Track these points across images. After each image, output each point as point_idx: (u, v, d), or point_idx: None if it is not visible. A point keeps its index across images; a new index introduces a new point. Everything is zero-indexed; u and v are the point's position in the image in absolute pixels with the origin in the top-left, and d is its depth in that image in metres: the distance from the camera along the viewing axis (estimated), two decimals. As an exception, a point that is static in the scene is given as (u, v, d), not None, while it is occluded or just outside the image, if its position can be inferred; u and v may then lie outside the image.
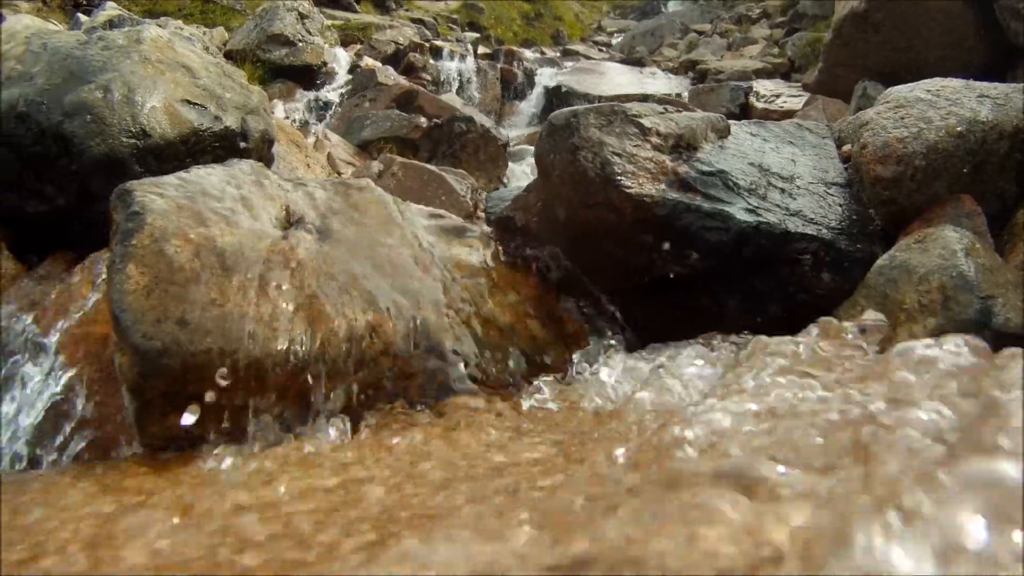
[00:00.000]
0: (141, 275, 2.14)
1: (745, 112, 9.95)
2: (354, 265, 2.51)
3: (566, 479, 1.62)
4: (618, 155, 2.64)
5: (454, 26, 18.04)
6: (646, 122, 2.79)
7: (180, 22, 11.31)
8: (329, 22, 12.58)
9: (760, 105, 9.99)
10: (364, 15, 15.91)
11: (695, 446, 1.38)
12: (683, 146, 2.80)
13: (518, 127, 11.47)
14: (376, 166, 6.32)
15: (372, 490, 1.72)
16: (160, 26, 6.35)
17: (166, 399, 2.10)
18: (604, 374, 2.57)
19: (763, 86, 10.81)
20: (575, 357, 2.69)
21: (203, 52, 4.16)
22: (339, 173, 6.37)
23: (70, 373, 2.48)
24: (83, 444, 2.34)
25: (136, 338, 2.06)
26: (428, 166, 6.22)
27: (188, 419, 2.09)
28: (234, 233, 2.35)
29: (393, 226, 2.77)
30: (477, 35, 16.89)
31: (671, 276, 2.68)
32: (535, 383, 2.57)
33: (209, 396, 2.11)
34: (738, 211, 2.65)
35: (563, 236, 2.81)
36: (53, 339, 2.63)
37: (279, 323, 2.25)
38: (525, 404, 2.42)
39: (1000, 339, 2.20)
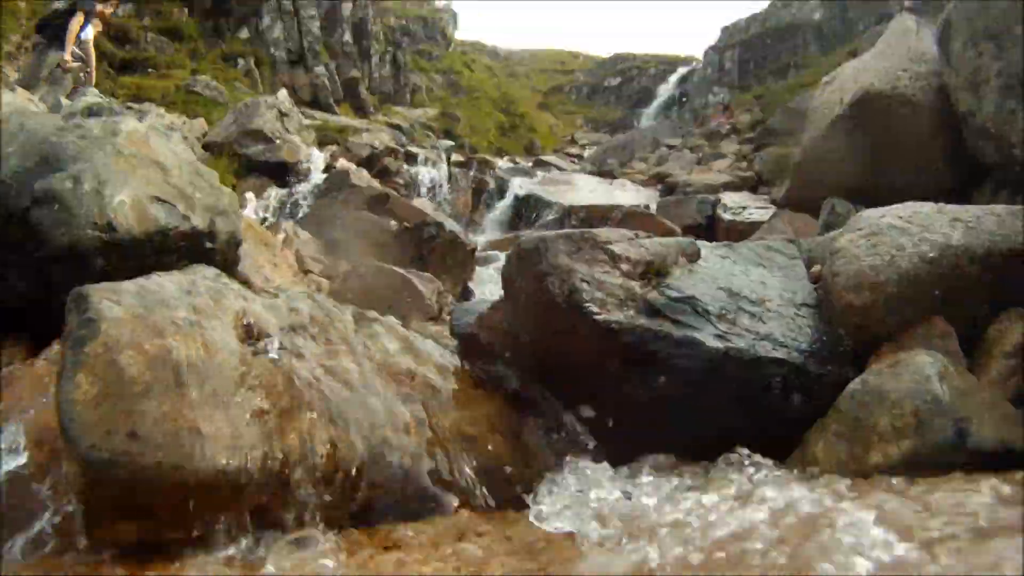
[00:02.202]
0: (91, 385, 2.09)
1: (712, 224, 10.12)
2: (314, 380, 2.46)
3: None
4: (587, 282, 2.63)
5: (430, 132, 18.37)
6: (616, 248, 2.79)
7: (163, 110, 11.42)
8: (308, 121, 12.77)
9: (727, 217, 10.19)
10: (342, 117, 16.21)
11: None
12: (653, 272, 2.80)
13: (489, 231, 11.58)
14: (344, 266, 6.31)
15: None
16: (143, 113, 6.34)
17: (115, 509, 2.06)
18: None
19: (730, 198, 11.03)
20: (538, 477, 2.62)
21: (179, 147, 4.15)
22: (307, 271, 6.35)
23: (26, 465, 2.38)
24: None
25: (83, 448, 2.02)
26: (396, 268, 6.24)
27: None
28: (192, 346, 2.31)
29: (356, 339, 2.73)
30: (452, 143, 17.18)
31: (640, 400, 2.63)
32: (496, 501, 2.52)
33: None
34: (707, 337, 2.63)
35: (529, 358, 2.79)
36: (11, 430, 2.53)
37: (233, 439, 2.19)
38: (483, 526, 2.35)
39: (974, 457, 2.20)
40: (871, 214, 3.13)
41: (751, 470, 2.44)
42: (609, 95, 28.70)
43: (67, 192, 3.21)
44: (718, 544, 1.86)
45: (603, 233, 2.84)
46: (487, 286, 7.56)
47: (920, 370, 2.40)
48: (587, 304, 2.58)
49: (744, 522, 1.96)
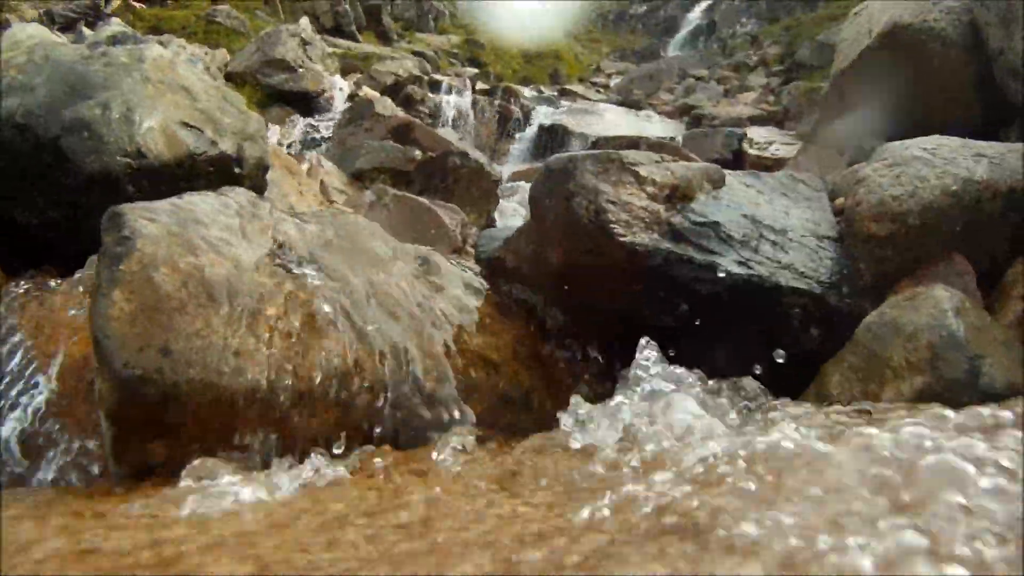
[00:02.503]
0: (127, 301, 2.11)
1: (738, 158, 10.03)
2: (343, 300, 2.49)
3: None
4: (613, 203, 2.64)
5: (454, 60, 18.18)
6: (642, 171, 2.79)
7: (183, 41, 11.37)
8: (331, 50, 12.69)
9: (753, 152, 10.09)
10: (366, 45, 16.04)
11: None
12: (678, 196, 2.80)
13: (513, 163, 11.52)
14: (369, 196, 6.33)
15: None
16: (163, 45, 6.36)
17: (145, 428, 2.07)
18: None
19: (757, 133, 10.91)
20: (560, 404, 2.65)
21: (204, 75, 4.17)
22: (332, 201, 6.37)
23: (51, 391, 2.46)
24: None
25: (117, 365, 2.03)
26: (420, 199, 6.24)
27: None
28: (223, 263, 2.33)
29: (385, 262, 2.76)
30: (477, 71, 17.01)
31: (660, 325, 2.66)
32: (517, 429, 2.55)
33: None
34: (729, 263, 2.64)
35: (554, 280, 2.80)
36: (35, 355, 2.60)
37: (264, 357, 2.23)
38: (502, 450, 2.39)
39: (985, 398, 2.20)
40: (895, 145, 3.11)
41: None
42: (635, 23, 28.20)
43: (96, 119, 3.24)
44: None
45: (630, 155, 2.83)
46: (512, 218, 7.50)
47: (937, 304, 2.39)
48: (612, 225, 2.59)
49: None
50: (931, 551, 1.27)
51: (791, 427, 1.98)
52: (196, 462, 2.06)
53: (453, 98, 12.79)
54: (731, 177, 3.12)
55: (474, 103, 12.76)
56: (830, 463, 1.66)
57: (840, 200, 3.27)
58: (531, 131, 12.45)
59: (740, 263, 2.67)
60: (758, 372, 2.58)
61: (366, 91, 11.17)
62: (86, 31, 9.83)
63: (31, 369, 2.58)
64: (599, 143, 11.00)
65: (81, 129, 3.22)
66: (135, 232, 2.25)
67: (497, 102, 13.05)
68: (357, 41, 16.19)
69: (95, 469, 2.36)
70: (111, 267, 2.17)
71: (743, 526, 1.40)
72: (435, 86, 13.33)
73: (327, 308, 2.43)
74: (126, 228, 2.26)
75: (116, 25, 10.12)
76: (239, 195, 2.74)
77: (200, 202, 2.57)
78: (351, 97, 10.87)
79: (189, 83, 3.74)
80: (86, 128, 3.22)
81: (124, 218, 2.29)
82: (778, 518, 1.41)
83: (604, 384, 2.74)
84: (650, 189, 2.75)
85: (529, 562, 1.40)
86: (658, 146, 10.02)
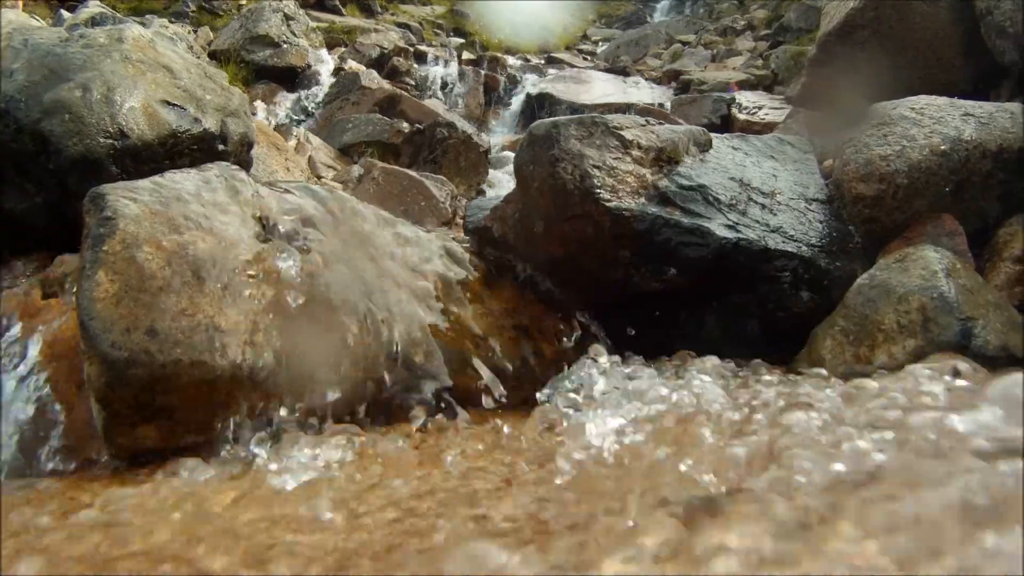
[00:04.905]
0: (111, 282, 2.09)
1: (727, 123, 9.96)
2: (329, 276, 2.47)
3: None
4: (598, 168, 2.62)
5: (439, 31, 18.02)
6: (627, 134, 2.76)
7: (165, 21, 11.25)
8: (314, 24, 12.55)
9: (742, 117, 10.00)
10: (349, 18, 15.87)
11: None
12: (664, 159, 2.78)
13: (501, 133, 11.43)
14: (357, 170, 6.28)
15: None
16: (144, 25, 6.29)
17: (134, 410, 2.05)
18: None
19: (745, 98, 10.81)
20: (549, 373, 2.65)
21: (185, 52, 4.12)
22: (319, 177, 6.32)
23: (42, 377, 2.43)
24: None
25: (104, 347, 2.01)
26: (408, 172, 6.19)
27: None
28: (207, 241, 2.30)
29: (371, 236, 2.73)
30: (462, 40, 16.87)
31: (649, 291, 2.65)
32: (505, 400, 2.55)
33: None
34: (717, 227, 2.63)
35: (541, 248, 2.79)
36: (26, 340, 2.58)
37: (249, 335, 2.20)
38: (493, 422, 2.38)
39: (979, 360, 2.19)
40: (883, 105, 3.09)
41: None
42: (620, -13, 27.91)
43: (77, 101, 3.20)
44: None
45: (615, 119, 2.81)
46: (502, 188, 7.45)
47: (928, 265, 2.39)
48: (598, 190, 2.58)
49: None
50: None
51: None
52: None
53: (439, 69, 12.68)
54: (718, 140, 3.11)
55: (460, 73, 12.65)
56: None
57: (828, 162, 3.26)
58: (518, 100, 12.35)
59: (728, 226, 2.65)
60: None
61: (351, 65, 11.07)
62: (65, 14, 9.70)
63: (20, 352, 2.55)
64: (588, 111, 10.90)
65: (62, 112, 3.18)
66: (117, 212, 2.22)
67: (483, 72, 12.94)
68: (340, 14, 16.01)
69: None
70: (94, 248, 2.15)
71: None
72: (421, 57, 13.20)
73: (312, 283, 2.41)
74: (108, 208, 2.23)
75: (95, 6, 9.97)
76: (221, 170, 2.71)
77: (182, 179, 2.53)
78: (337, 71, 10.76)
79: (169, 61, 3.70)
80: (67, 111, 3.18)
81: (106, 199, 2.27)
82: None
83: (592, 353, 2.72)
84: (636, 153, 2.73)
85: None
86: (647, 112, 9.97)
